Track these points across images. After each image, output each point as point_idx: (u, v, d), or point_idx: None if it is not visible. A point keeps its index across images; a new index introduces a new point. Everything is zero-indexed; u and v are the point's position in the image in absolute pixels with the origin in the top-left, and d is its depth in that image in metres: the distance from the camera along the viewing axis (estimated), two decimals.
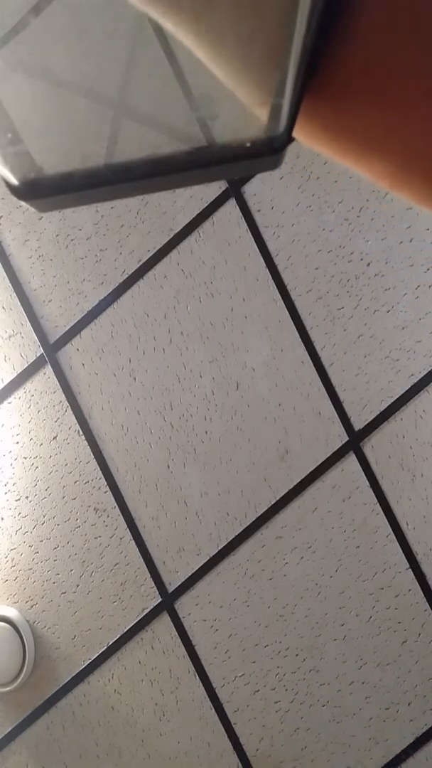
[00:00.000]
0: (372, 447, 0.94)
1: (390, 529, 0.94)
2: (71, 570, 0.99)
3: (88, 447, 0.98)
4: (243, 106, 0.14)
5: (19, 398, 1.00)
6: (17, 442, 1.00)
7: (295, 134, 0.17)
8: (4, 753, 1.00)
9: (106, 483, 0.98)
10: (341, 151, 0.17)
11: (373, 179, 0.17)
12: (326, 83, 0.15)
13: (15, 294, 1.00)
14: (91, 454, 0.98)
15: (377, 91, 0.14)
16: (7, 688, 0.96)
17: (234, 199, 0.96)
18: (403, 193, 0.17)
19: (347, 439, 0.94)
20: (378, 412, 0.94)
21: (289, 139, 0.14)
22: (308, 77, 0.14)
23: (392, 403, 0.94)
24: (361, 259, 0.94)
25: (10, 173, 0.14)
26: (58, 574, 0.99)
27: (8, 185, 0.14)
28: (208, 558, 0.96)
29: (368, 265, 0.94)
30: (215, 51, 0.12)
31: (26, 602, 1.00)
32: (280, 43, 0.12)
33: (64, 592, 0.99)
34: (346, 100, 0.15)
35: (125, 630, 0.97)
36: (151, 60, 0.13)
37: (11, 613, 0.98)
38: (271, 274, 0.96)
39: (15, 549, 1.00)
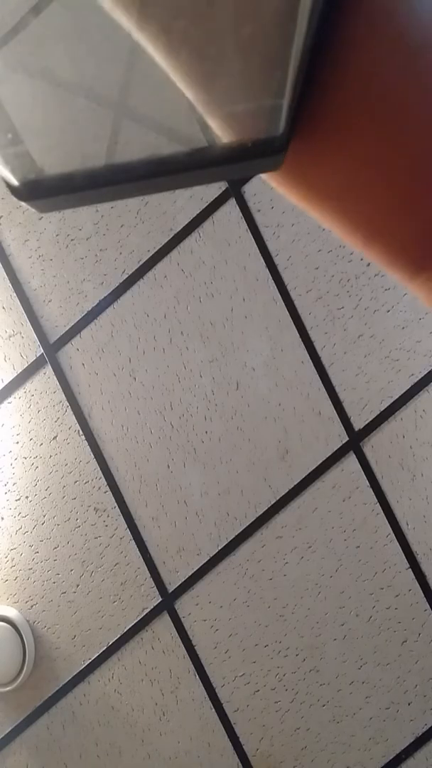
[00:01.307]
0: (372, 447, 0.94)
1: (390, 529, 0.94)
2: (71, 570, 0.99)
3: (88, 447, 0.98)
4: (243, 109, 0.14)
5: (19, 398, 1.00)
6: (17, 442, 1.00)
7: (272, 183, 0.16)
8: (4, 753, 1.00)
9: (106, 483, 0.98)
10: (319, 198, 0.16)
11: (345, 235, 0.16)
12: (309, 120, 0.14)
13: (15, 294, 1.00)
14: (91, 454, 0.98)
15: (361, 128, 0.14)
16: (7, 688, 0.96)
17: (234, 199, 0.96)
18: (375, 249, 0.16)
19: (347, 439, 0.94)
20: (378, 412, 0.94)
21: (290, 140, 0.14)
22: (309, 76, 0.14)
23: (392, 403, 0.94)
24: (361, 259, 0.94)
25: (10, 174, 0.14)
26: (58, 574, 0.99)
27: (8, 186, 0.14)
28: (208, 558, 0.96)
29: (368, 265, 0.94)
30: (207, 65, 0.12)
31: (26, 602, 1.00)
32: (280, 44, 0.12)
33: (64, 592, 0.99)
34: (325, 145, 0.14)
35: (125, 630, 0.97)
36: (152, 60, 0.13)
37: (11, 613, 0.98)
38: (271, 274, 0.96)
39: (15, 549, 1.00)
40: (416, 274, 0.17)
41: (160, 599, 0.97)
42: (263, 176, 0.16)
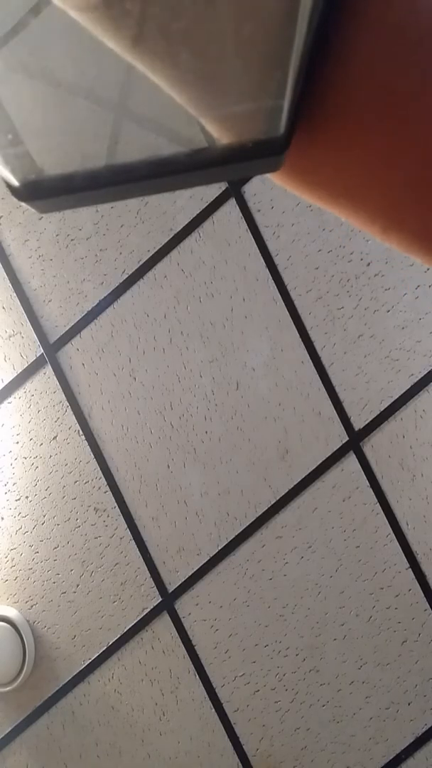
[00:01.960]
0: (372, 447, 0.94)
1: (390, 529, 0.94)
2: (71, 570, 0.99)
3: (88, 447, 0.98)
4: (243, 110, 0.14)
5: (19, 398, 1.00)
6: (17, 442, 1.00)
7: (283, 183, 0.16)
8: (4, 753, 1.00)
9: (106, 483, 0.98)
10: (333, 194, 0.16)
11: (362, 224, 0.17)
12: (316, 119, 0.14)
13: (15, 294, 1.00)
14: (91, 454, 0.98)
15: (371, 121, 0.14)
16: (7, 688, 0.96)
17: (234, 199, 0.96)
18: (393, 237, 0.17)
19: (347, 438, 0.94)
20: (378, 412, 0.94)
21: (290, 141, 0.14)
22: (309, 76, 0.14)
23: (392, 403, 0.94)
24: (361, 259, 0.94)
25: (10, 174, 0.14)
26: (58, 574, 0.99)
27: (9, 186, 0.14)
28: (208, 558, 0.96)
29: (368, 265, 0.94)
30: (207, 65, 0.12)
31: (26, 602, 1.00)
32: (280, 44, 0.12)
33: (64, 592, 0.99)
34: (335, 141, 0.14)
35: (125, 630, 0.97)
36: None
37: (11, 613, 0.98)
38: (271, 274, 0.95)
39: (15, 549, 1.00)
40: None
41: (160, 599, 0.97)
42: (273, 179, 0.16)
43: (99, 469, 0.98)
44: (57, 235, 1.00)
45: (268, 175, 0.16)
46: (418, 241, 0.16)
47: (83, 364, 0.99)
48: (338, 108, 0.14)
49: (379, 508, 0.94)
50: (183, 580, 0.97)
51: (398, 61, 0.13)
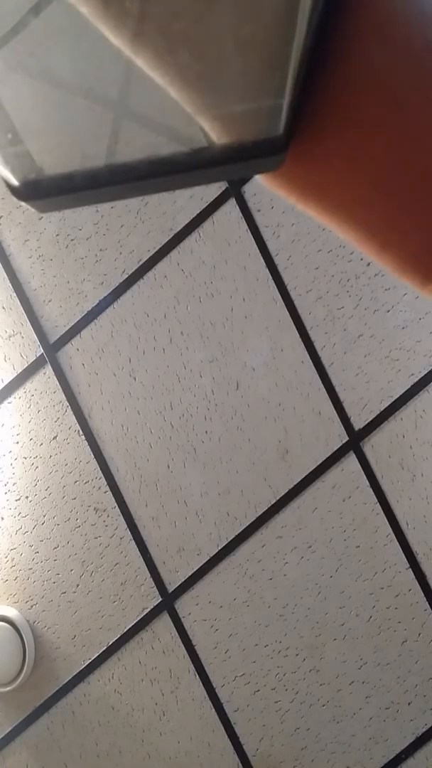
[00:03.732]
0: (372, 447, 0.94)
1: (390, 529, 0.94)
2: (71, 570, 0.99)
3: (88, 447, 0.98)
4: (243, 109, 0.14)
5: (19, 398, 1.00)
6: (17, 442, 1.00)
7: (280, 192, 0.16)
8: (4, 753, 1.00)
9: (106, 483, 0.98)
10: (332, 206, 0.16)
11: (359, 241, 0.16)
12: (316, 127, 0.14)
13: (15, 294, 1.00)
14: (91, 454, 0.98)
15: (371, 125, 0.14)
16: (7, 688, 0.96)
17: (234, 199, 0.96)
18: (390, 256, 0.16)
19: (347, 438, 0.94)
20: (378, 412, 0.94)
21: (290, 140, 0.14)
22: (309, 76, 0.14)
23: (392, 403, 0.94)
24: (361, 259, 0.94)
25: (10, 174, 0.14)
26: (58, 574, 0.99)
27: (8, 186, 0.14)
28: (208, 558, 0.96)
29: (368, 265, 0.94)
30: (207, 65, 0.12)
31: (26, 602, 1.00)
32: (280, 44, 0.12)
33: (64, 592, 0.99)
34: (331, 151, 0.14)
35: (125, 630, 0.97)
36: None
37: (11, 613, 0.98)
38: (271, 274, 0.95)
39: (15, 549, 1.00)
40: (427, 282, 0.17)
41: (160, 599, 0.97)
42: (271, 187, 0.16)
43: (99, 469, 0.98)
44: (57, 235, 1.00)
45: (266, 183, 0.16)
46: (410, 263, 0.16)
47: (83, 364, 0.99)
48: (335, 115, 0.14)
49: (379, 508, 0.94)
50: (183, 580, 0.97)
51: (401, 71, 0.13)
